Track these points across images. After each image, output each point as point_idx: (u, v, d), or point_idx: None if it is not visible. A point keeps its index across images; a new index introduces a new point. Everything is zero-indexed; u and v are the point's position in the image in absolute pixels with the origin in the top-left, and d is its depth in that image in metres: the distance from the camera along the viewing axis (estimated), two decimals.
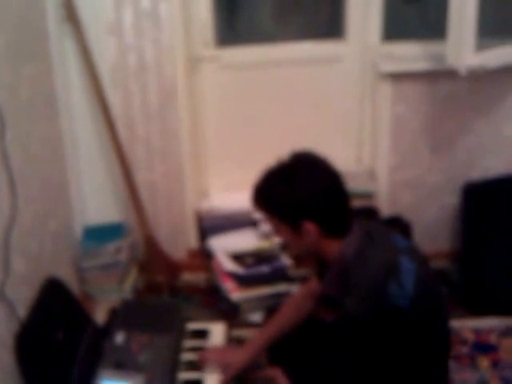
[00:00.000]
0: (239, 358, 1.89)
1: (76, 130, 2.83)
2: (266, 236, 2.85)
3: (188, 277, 2.98)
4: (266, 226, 2.86)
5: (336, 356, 1.61)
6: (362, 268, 1.53)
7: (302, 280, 2.70)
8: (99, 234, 2.86)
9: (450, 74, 2.58)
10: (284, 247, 2.76)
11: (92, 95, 2.74)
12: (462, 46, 2.47)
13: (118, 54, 2.69)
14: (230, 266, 2.71)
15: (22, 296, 2.01)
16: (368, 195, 2.96)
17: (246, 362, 1.88)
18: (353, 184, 2.82)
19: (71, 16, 2.60)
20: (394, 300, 1.47)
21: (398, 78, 2.85)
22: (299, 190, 1.56)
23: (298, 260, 2.73)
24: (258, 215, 2.90)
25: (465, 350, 2.47)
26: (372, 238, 1.59)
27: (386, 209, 3.01)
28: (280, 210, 1.61)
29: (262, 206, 1.66)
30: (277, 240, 2.79)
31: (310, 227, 1.57)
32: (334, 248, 1.61)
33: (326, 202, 1.57)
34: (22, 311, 1.97)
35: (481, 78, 2.74)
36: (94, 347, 1.91)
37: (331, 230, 1.59)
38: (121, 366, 1.80)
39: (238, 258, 2.76)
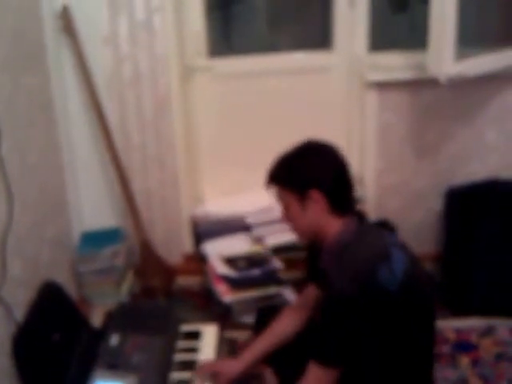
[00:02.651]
0: (232, 368, 1.89)
1: (73, 138, 2.87)
2: (258, 240, 2.89)
3: (183, 281, 3.00)
4: (258, 231, 2.92)
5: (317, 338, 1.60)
6: (355, 251, 1.60)
7: (293, 283, 2.76)
8: (96, 240, 2.89)
9: (433, 83, 2.62)
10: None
11: (88, 104, 2.79)
12: (442, 55, 2.51)
13: (113, 64, 2.73)
14: (222, 269, 2.74)
15: (20, 299, 2.05)
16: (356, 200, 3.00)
17: (238, 373, 1.88)
18: None
19: (68, 27, 2.65)
20: (383, 283, 1.52)
21: (384, 86, 2.89)
22: (311, 162, 1.67)
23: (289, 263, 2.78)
24: (251, 219, 2.97)
25: (446, 349, 2.51)
26: (367, 230, 1.69)
27: (372, 213, 3.03)
28: (290, 179, 1.69)
29: (274, 178, 1.72)
30: (269, 244, 2.85)
31: (317, 196, 1.63)
32: (333, 228, 1.66)
33: (335, 176, 1.66)
34: (20, 314, 2.00)
35: (462, 86, 2.77)
36: (90, 349, 1.93)
37: (336, 205, 1.66)
38: (115, 366, 1.83)
39: (230, 261, 2.79)
